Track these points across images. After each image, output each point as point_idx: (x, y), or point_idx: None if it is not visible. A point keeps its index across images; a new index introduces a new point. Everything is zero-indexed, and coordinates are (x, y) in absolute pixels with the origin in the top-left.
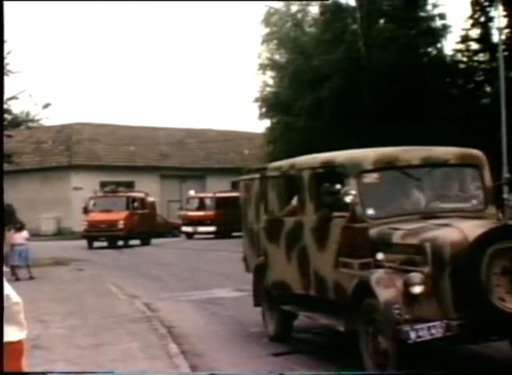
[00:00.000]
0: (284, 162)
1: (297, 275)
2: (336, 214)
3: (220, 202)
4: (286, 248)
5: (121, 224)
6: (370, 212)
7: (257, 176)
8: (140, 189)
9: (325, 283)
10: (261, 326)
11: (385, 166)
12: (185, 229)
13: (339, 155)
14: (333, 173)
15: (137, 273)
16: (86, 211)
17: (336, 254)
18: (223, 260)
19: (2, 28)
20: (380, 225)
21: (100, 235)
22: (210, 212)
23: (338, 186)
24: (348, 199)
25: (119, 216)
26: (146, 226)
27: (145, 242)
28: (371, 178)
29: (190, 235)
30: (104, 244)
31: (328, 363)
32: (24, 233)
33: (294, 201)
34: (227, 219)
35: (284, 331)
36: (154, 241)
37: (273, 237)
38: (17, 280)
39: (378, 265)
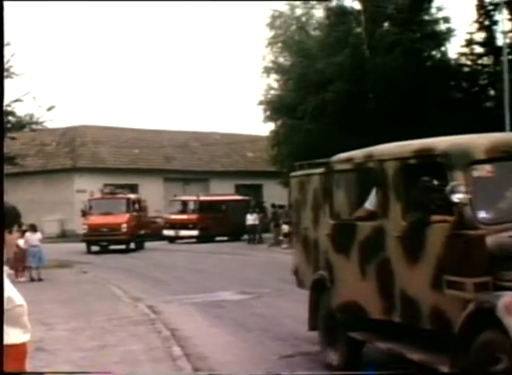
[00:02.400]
0: (355, 153)
1: (376, 295)
2: (436, 218)
3: (204, 206)
4: (361, 260)
5: (124, 228)
6: (482, 215)
7: (316, 171)
8: (144, 192)
9: (417, 308)
10: (263, 329)
11: (501, 156)
12: (167, 233)
13: (441, 142)
14: (431, 165)
15: (141, 275)
16: (84, 214)
17: (435, 270)
18: (225, 262)
19: (2, 28)
20: (496, 232)
21: (101, 239)
22: (193, 216)
23: (435, 181)
24: (456, 198)
25: (122, 219)
26: (143, 229)
27: (139, 246)
28: (482, 171)
29: (171, 239)
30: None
31: None
32: (38, 235)
33: (371, 202)
34: (210, 223)
35: (350, 362)
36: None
37: (342, 246)
38: (32, 280)
39: (500, 285)
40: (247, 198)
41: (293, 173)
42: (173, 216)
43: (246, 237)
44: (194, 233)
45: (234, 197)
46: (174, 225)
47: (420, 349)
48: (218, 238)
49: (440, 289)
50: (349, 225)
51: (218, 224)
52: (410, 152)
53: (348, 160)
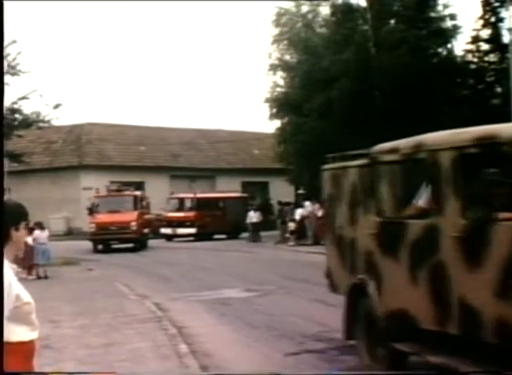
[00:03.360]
0: (401, 143)
1: (428, 303)
2: (502, 215)
3: (201, 203)
4: (411, 263)
5: (133, 226)
6: None
7: (353, 163)
8: (150, 189)
9: (478, 319)
10: (269, 327)
11: None
12: (164, 231)
13: (506, 128)
14: (495, 155)
15: (147, 272)
16: (91, 212)
17: (501, 275)
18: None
19: (2, 28)
20: None
21: (110, 238)
22: (190, 214)
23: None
24: None
25: (131, 217)
26: (148, 227)
27: (143, 244)
28: None
29: (169, 237)
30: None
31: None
32: (46, 232)
33: (422, 198)
34: (208, 221)
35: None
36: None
37: (389, 247)
38: (39, 278)
39: None
40: (245, 195)
41: (325, 166)
42: (170, 214)
43: (244, 235)
44: (192, 231)
45: (232, 194)
46: (171, 223)
47: (480, 365)
48: (216, 236)
49: (507, 297)
50: (397, 224)
51: (216, 222)
52: (469, 141)
53: (393, 151)
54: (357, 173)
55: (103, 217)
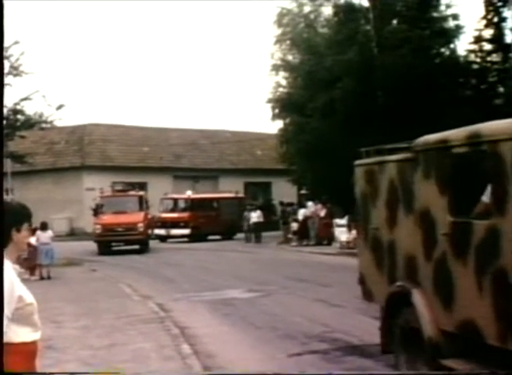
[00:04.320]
0: (451, 134)
1: (489, 315)
2: None
3: (195, 204)
4: (476, 269)
5: (140, 227)
6: None
7: (392, 158)
8: (153, 190)
9: None
10: (272, 327)
11: None
12: (158, 232)
13: None
14: None
15: (150, 273)
16: (96, 213)
17: None
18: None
19: (2, 28)
20: None
21: (116, 239)
22: (184, 214)
23: None
24: None
25: (138, 218)
26: (150, 228)
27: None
28: None
29: (163, 238)
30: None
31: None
32: (49, 233)
33: (487, 195)
34: (202, 222)
35: None
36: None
37: (459, 251)
38: (42, 278)
39: None
40: (240, 195)
41: (358, 162)
42: (164, 215)
43: (239, 236)
44: (186, 232)
45: (226, 194)
46: (165, 224)
47: None
48: (210, 237)
49: None
50: (465, 224)
51: (210, 223)
52: None
53: (442, 142)
54: (396, 168)
55: (109, 218)
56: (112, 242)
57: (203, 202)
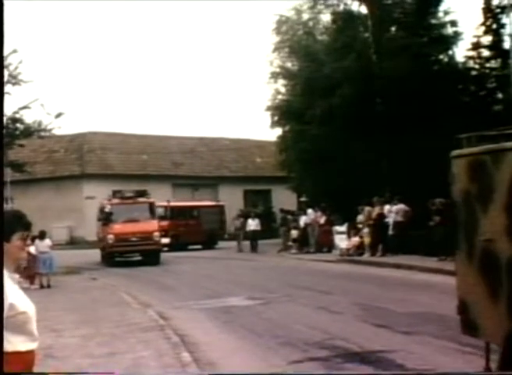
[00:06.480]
0: None
1: None
2: None
3: (175, 212)
4: None
5: (156, 236)
6: None
7: (510, 145)
8: (152, 198)
9: None
10: (272, 335)
11: None
12: None
13: None
14: None
15: (150, 281)
16: (106, 221)
17: None
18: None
19: (2, 28)
20: None
21: (130, 250)
22: (163, 223)
23: None
24: None
25: (153, 227)
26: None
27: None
28: None
29: None
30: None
31: None
32: (47, 242)
33: None
34: (182, 231)
35: None
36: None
37: None
38: (42, 287)
39: None
40: (221, 203)
41: (456, 152)
42: None
43: (221, 245)
44: (165, 241)
45: (207, 202)
46: None
47: None
48: (190, 247)
49: None
50: None
51: (190, 231)
52: None
53: None
54: None
55: (122, 227)
56: (126, 253)
57: (183, 210)
